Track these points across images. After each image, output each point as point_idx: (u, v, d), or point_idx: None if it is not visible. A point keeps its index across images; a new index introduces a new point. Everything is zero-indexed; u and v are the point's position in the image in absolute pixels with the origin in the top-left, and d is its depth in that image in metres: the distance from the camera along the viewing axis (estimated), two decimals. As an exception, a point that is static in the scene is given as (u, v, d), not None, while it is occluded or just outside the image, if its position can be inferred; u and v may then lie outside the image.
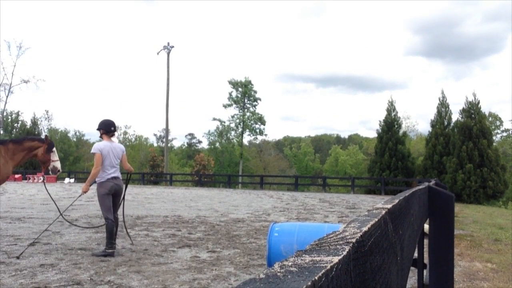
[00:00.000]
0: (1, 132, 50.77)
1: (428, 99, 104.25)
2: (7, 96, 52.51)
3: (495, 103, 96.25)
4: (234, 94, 51.34)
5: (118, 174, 7.15)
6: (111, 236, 6.70)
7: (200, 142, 69.25)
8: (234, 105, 51.48)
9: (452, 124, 29.97)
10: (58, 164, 8.75)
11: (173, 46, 43.15)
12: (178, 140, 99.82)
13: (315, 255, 0.58)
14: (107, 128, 7.30)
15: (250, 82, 51.03)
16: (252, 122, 51.19)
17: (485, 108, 56.53)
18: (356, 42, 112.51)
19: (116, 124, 7.56)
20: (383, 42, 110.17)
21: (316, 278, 0.47)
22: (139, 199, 17.59)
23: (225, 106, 51.86)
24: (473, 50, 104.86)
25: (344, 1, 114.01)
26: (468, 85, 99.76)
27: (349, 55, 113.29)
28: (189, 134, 70.75)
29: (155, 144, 65.35)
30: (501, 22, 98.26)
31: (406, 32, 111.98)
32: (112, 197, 7.06)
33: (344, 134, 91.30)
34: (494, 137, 43.12)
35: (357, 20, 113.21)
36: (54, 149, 8.73)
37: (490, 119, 53.23)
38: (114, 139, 7.45)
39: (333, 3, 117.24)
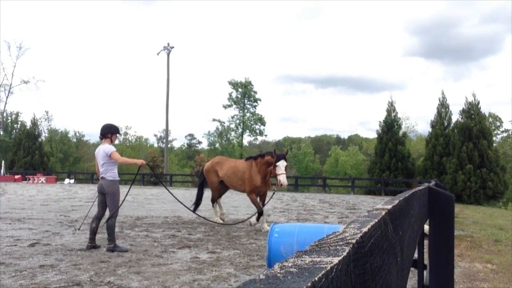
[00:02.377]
0: (1, 132, 50.79)
1: (427, 100, 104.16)
2: (7, 97, 52.60)
3: (494, 104, 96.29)
4: (234, 94, 51.35)
5: (105, 174, 7.39)
6: (90, 231, 7.39)
7: (200, 142, 69.22)
8: (234, 106, 51.48)
9: (452, 125, 29.97)
10: (281, 178, 9.86)
11: (173, 47, 43.20)
12: (178, 141, 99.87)
13: (315, 256, 0.58)
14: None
15: (250, 82, 51.03)
16: (252, 122, 51.20)
17: (484, 109, 56.39)
18: (354, 43, 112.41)
19: (108, 126, 7.72)
20: (381, 43, 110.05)
21: (316, 279, 0.47)
22: (139, 200, 17.59)
23: (225, 107, 51.87)
24: (471, 51, 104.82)
25: (343, 2, 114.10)
26: (467, 86, 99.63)
27: (347, 56, 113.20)
28: (189, 135, 70.70)
29: (155, 145, 65.31)
30: (498, 24, 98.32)
31: (404, 33, 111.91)
32: (102, 196, 7.47)
33: (344, 135, 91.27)
34: (494, 138, 43.11)
35: (356, 21, 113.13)
36: (278, 163, 9.88)
37: (490, 119, 53.21)
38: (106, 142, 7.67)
39: (332, 4, 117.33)
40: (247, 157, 11.39)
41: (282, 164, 9.83)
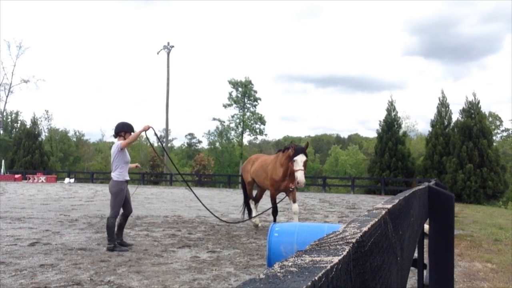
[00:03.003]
0: (1, 132, 50.78)
1: (427, 100, 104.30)
2: (7, 96, 52.61)
3: (494, 103, 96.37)
4: (234, 94, 51.34)
5: (112, 173, 7.38)
6: (117, 227, 7.42)
7: (200, 142, 69.29)
8: (234, 105, 51.47)
9: (452, 124, 29.94)
10: (298, 175, 8.44)
11: (173, 46, 43.18)
12: (178, 140, 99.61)
13: (315, 255, 0.58)
14: None
15: (250, 82, 51.01)
16: (252, 122, 51.18)
17: (484, 108, 56.31)
18: (354, 42, 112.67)
19: (122, 125, 7.57)
20: (380, 42, 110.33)
21: (316, 278, 0.47)
22: (139, 199, 17.58)
23: (225, 106, 51.86)
24: (470, 50, 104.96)
25: (343, 2, 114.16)
26: (466, 86, 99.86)
27: (347, 55, 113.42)
28: (189, 134, 70.78)
29: (155, 144, 65.23)
30: (498, 23, 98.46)
31: (403, 32, 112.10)
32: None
33: (344, 134, 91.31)
34: (494, 137, 43.09)
35: (355, 21, 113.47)
36: (296, 157, 8.58)
37: (490, 119, 53.19)
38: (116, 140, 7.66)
39: (332, 4, 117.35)
40: (278, 149, 10.34)
41: (300, 159, 8.65)
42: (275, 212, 9.62)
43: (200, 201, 9.99)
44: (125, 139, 7.43)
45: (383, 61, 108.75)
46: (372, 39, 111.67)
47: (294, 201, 9.34)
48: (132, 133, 7.52)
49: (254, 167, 10.32)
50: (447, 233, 2.50)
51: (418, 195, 2.01)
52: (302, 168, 8.54)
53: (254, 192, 11.16)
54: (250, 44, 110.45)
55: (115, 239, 7.22)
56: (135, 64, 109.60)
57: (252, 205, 10.74)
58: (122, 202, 7.34)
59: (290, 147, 9.08)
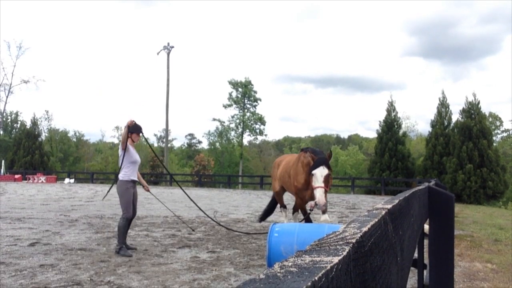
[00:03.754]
0: (1, 132, 50.77)
1: (427, 100, 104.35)
2: (7, 96, 52.62)
3: (493, 104, 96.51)
4: (234, 94, 51.38)
5: (119, 174, 7.31)
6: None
7: (200, 142, 69.28)
8: (234, 105, 51.51)
9: (452, 125, 29.94)
10: (317, 193, 6.57)
11: (173, 47, 43.16)
12: (178, 141, 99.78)
13: (315, 255, 0.58)
14: None
15: (250, 82, 51.04)
16: (252, 122, 51.20)
17: (484, 109, 56.33)
18: (354, 43, 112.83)
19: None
20: (380, 43, 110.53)
21: (316, 278, 0.47)
22: (139, 200, 17.54)
23: (225, 107, 51.89)
24: (469, 51, 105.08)
25: (342, 3, 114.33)
26: (466, 86, 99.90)
27: (347, 56, 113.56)
28: (189, 135, 70.75)
29: (155, 145, 65.27)
30: (497, 24, 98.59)
31: (402, 33, 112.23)
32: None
33: (344, 135, 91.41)
34: (494, 138, 43.07)
35: (355, 21, 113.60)
36: (315, 170, 6.80)
37: (490, 119, 53.19)
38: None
39: (331, 4, 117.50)
40: (301, 148, 8.30)
41: (320, 173, 6.75)
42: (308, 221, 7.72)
43: (202, 209, 9.91)
44: (132, 140, 7.35)
45: (382, 62, 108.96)
46: (371, 39, 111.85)
47: (304, 215, 8.18)
48: (137, 134, 7.42)
49: (279, 171, 8.66)
50: (447, 233, 2.50)
51: (418, 195, 2.01)
52: (323, 185, 6.67)
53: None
54: (250, 44, 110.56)
55: (123, 241, 7.12)
56: (135, 65, 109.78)
57: (284, 212, 9.24)
58: (130, 201, 7.16)
59: (306, 150, 7.50)
